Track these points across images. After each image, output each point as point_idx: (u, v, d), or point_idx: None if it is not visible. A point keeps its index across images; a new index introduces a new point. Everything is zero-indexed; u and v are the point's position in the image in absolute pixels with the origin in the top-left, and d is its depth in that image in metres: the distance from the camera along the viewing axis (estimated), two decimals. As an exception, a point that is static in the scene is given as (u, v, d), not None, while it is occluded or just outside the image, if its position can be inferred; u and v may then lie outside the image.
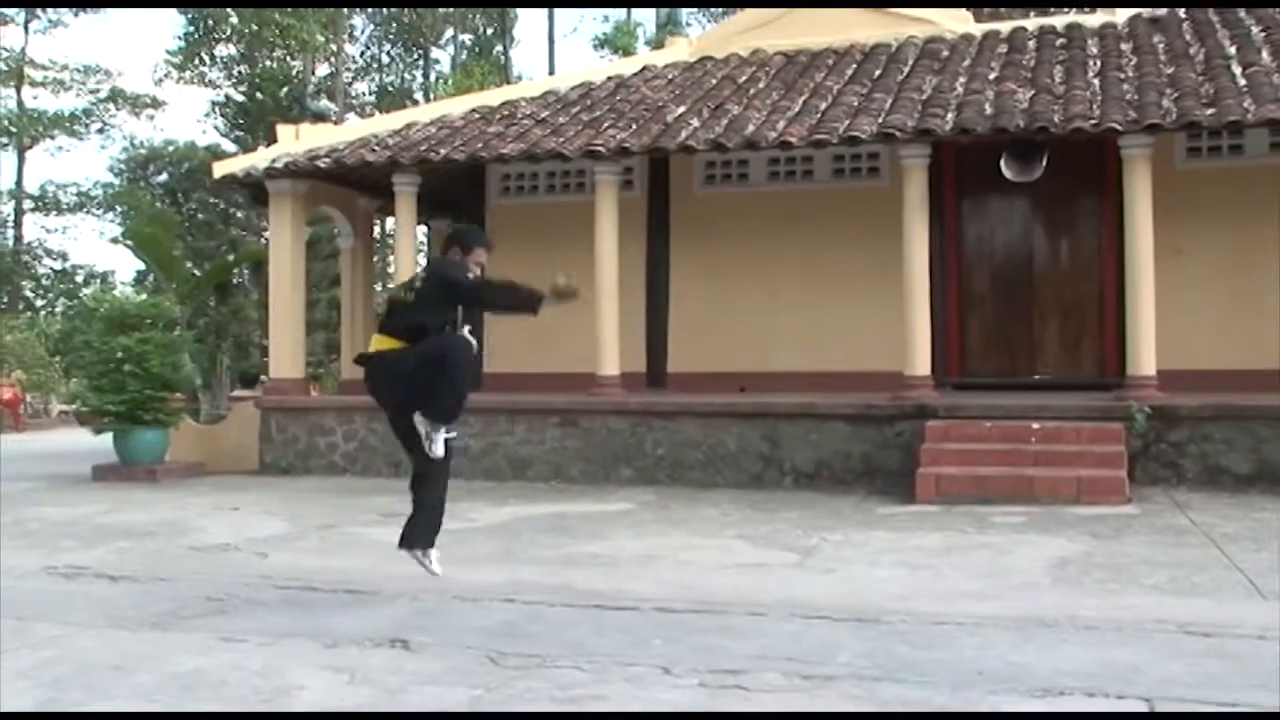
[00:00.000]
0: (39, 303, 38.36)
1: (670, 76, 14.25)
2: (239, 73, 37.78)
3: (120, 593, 6.53)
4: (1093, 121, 10.58)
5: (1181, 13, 13.56)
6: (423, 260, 22.50)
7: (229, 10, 35.51)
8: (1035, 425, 10.26)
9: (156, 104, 39.18)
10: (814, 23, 14.47)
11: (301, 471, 12.83)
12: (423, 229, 19.31)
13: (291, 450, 12.97)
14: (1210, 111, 10.40)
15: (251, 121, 35.61)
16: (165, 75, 38.81)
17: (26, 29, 38.14)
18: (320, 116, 29.25)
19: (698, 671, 4.66)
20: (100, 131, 39.47)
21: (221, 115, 38.33)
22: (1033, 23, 14.27)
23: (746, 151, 12.11)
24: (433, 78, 41.48)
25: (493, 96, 14.64)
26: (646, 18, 40.79)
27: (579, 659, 4.88)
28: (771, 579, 6.70)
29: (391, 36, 42.38)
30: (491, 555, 7.57)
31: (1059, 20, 14.23)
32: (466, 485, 11.57)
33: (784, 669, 4.68)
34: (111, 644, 5.27)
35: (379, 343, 6.01)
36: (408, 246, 13.53)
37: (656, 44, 33.40)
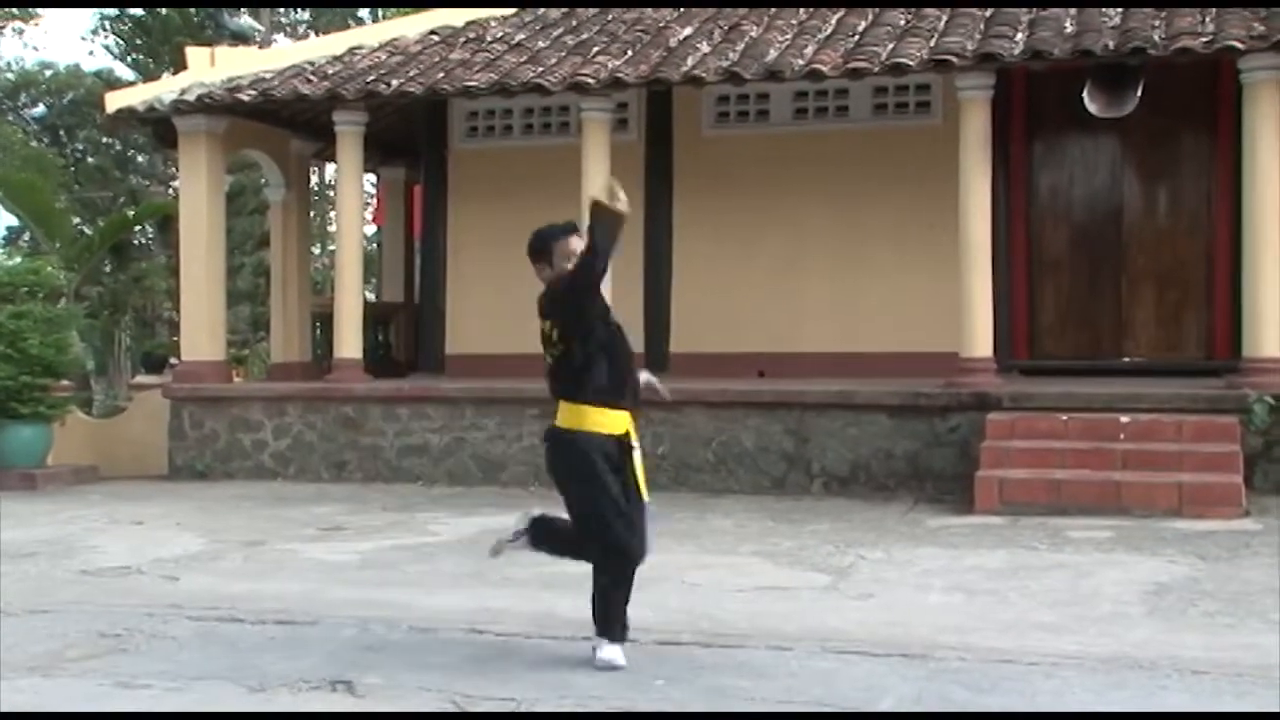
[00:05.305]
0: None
1: (674, -11, 14.22)
2: (137, -21, 37.47)
3: (-8, 628, 6.51)
4: (1205, 39, 10.52)
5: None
6: (370, 218, 22.48)
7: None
8: (1124, 419, 10.26)
9: (27, 15, 38.81)
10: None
11: (221, 476, 12.82)
12: (371, 178, 19.26)
13: (209, 450, 12.96)
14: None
15: (153, 42, 35.33)
16: (39, -22, 38.49)
17: None
18: (242, 37, 29.16)
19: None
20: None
21: (114, 33, 37.90)
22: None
23: (767, 83, 12.08)
24: (381, -10, 41.35)
25: (456, 15, 14.57)
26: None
27: (563, 704, 4.88)
28: (797, 605, 6.72)
29: (331, -62, 42.23)
30: (457, 575, 7.58)
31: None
32: (428, 492, 11.62)
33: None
34: (-19, 692, 5.25)
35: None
36: (352, 199, 13.50)
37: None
